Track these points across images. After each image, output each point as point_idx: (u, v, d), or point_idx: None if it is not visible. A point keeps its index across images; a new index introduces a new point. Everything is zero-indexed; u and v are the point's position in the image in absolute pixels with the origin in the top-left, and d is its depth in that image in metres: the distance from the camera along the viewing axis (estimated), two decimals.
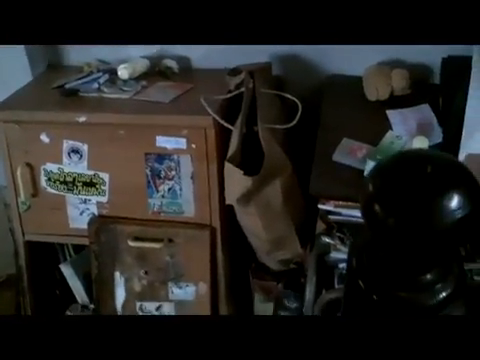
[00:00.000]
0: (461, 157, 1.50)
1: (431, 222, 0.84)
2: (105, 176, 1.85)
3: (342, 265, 1.83)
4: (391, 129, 1.74)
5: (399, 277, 0.95)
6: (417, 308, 0.93)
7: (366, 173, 1.65)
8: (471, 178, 0.88)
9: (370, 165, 1.57)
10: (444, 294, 0.93)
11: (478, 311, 0.97)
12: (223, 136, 1.76)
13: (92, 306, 2.08)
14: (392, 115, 1.80)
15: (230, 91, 1.80)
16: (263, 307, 2.00)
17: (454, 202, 0.85)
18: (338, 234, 1.75)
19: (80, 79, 1.93)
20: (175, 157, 1.78)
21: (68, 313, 2.16)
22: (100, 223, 1.89)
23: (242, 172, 1.66)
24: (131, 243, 1.86)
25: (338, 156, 1.69)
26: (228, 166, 1.70)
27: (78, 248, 2.13)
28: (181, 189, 1.82)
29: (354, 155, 1.68)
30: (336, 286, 1.89)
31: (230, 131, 1.73)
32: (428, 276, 0.93)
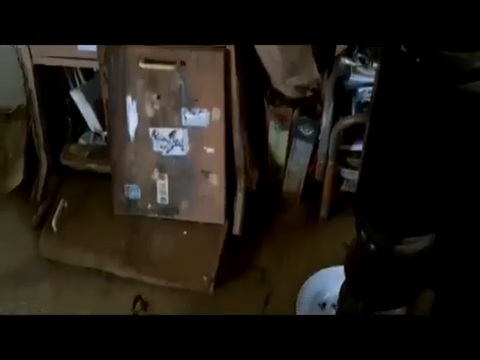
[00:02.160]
0: None
1: None
2: None
3: (361, 90, 1.77)
4: None
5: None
6: (462, 69, 0.84)
7: None
8: None
9: None
10: None
11: None
12: None
13: (105, 133, 2.06)
14: None
15: None
16: (278, 135, 1.96)
17: None
18: (359, 55, 1.68)
19: None
20: None
21: (81, 141, 2.14)
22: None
23: None
24: (142, 65, 1.78)
25: None
26: None
27: (88, 76, 2.08)
28: None
29: None
30: (353, 114, 1.84)
31: None
32: None
